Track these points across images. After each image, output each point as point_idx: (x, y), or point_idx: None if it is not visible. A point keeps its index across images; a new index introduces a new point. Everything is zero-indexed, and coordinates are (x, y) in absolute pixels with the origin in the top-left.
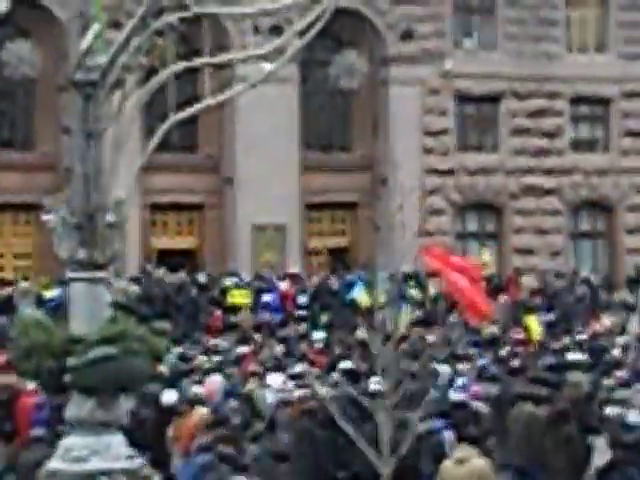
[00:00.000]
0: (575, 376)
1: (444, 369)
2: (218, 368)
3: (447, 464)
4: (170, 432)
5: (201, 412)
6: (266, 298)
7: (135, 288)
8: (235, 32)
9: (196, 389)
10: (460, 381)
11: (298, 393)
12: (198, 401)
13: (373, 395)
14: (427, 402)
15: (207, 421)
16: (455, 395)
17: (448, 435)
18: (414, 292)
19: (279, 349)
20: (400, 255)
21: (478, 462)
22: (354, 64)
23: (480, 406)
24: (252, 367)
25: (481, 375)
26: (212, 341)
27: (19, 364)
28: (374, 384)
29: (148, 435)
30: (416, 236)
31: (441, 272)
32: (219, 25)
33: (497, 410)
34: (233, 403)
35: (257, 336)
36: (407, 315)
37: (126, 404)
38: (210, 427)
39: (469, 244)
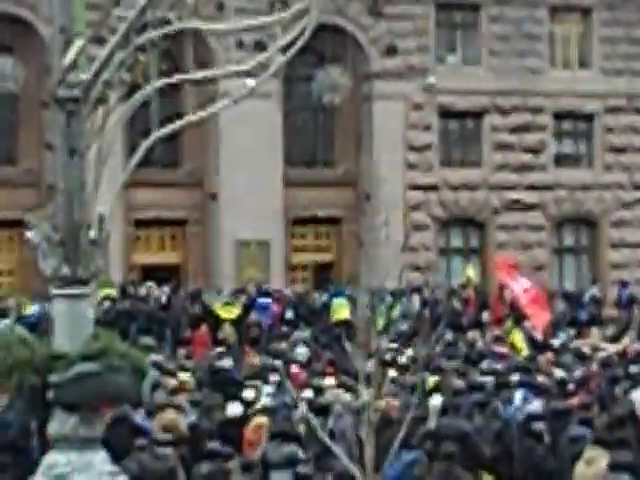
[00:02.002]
0: None
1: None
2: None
3: (579, 464)
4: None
5: (259, 421)
6: (263, 301)
7: (108, 304)
8: (218, 48)
9: (266, 400)
10: (517, 395)
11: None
12: (267, 411)
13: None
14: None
15: (267, 429)
16: (532, 407)
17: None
18: (399, 307)
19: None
20: (384, 270)
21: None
22: (337, 80)
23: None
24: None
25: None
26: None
27: (1, 380)
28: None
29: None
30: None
31: (508, 283)
32: (202, 41)
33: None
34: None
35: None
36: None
37: (187, 418)
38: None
39: (453, 259)
